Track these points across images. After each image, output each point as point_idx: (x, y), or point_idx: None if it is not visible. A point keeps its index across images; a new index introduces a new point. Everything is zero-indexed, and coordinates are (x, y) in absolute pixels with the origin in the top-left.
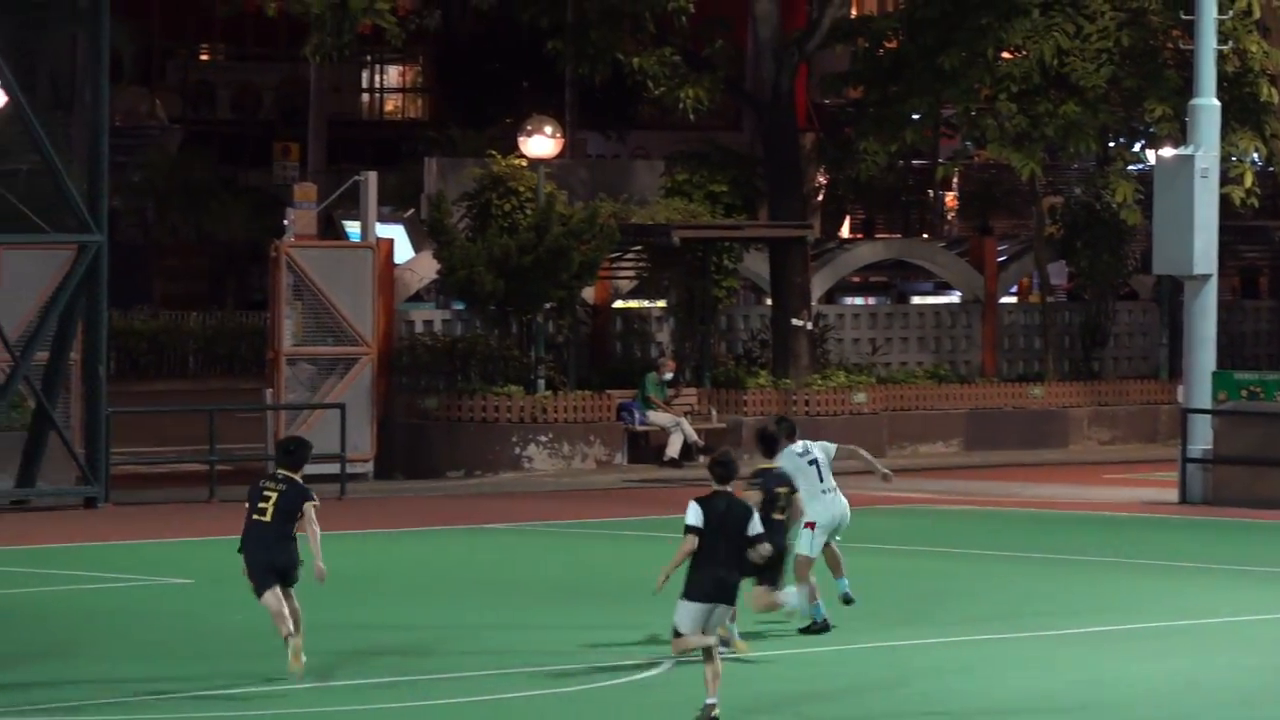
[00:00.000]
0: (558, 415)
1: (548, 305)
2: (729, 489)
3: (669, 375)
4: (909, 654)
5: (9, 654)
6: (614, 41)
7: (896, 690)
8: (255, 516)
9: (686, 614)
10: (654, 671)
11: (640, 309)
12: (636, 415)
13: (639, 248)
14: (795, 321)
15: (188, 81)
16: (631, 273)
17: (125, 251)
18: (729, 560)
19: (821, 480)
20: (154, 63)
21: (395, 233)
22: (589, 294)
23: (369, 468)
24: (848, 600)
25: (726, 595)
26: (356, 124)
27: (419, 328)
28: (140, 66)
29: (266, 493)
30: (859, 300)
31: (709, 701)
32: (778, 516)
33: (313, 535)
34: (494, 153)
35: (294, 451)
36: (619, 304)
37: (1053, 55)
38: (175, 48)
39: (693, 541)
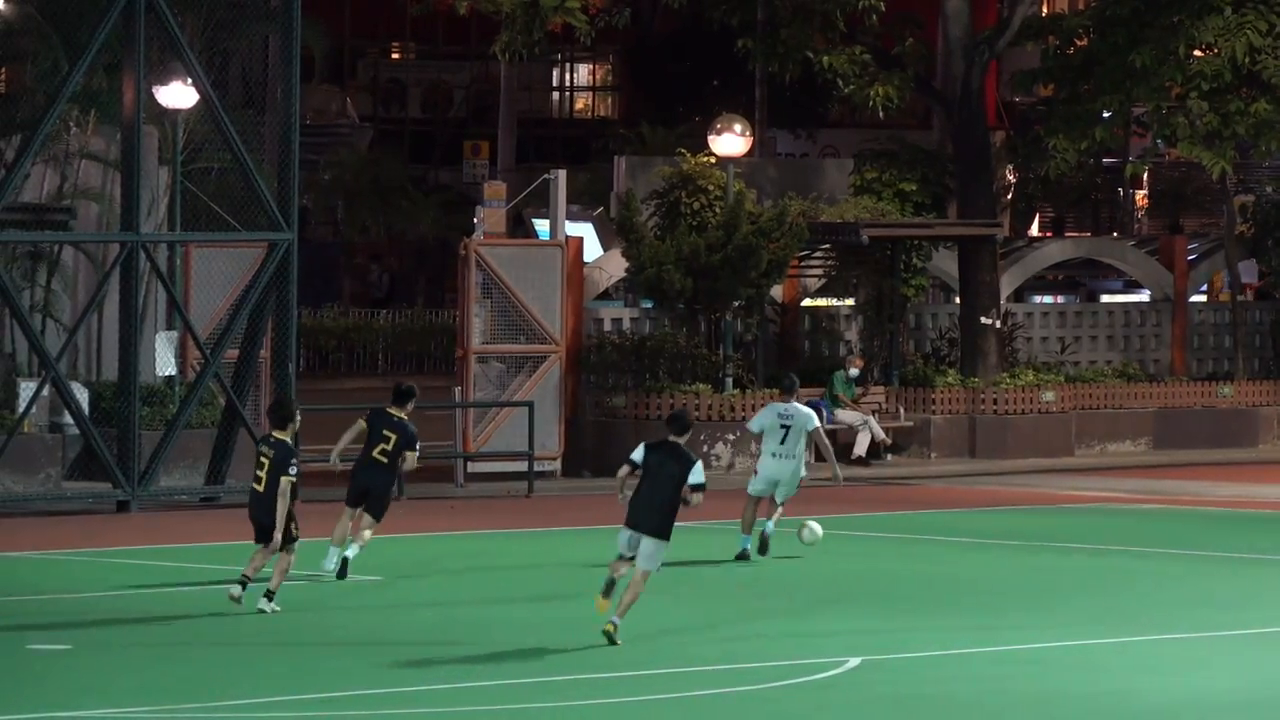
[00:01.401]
0: (746, 413)
1: (736, 303)
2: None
3: (856, 373)
4: (1092, 652)
5: (207, 651)
6: (804, 39)
7: (1073, 689)
8: (254, 485)
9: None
10: (838, 670)
11: (828, 307)
12: (825, 413)
13: (827, 246)
14: (984, 320)
15: (378, 80)
16: (820, 271)
17: (315, 249)
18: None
19: (782, 444)
20: (345, 62)
21: (584, 231)
22: (777, 292)
23: (557, 465)
24: (763, 540)
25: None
26: (546, 122)
27: (607, 326)
28: (331, 65)
29: (262, 459)
30: (1048, 299)
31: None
32: None
33: (280, 507)
34: (683, 151)
35: (275, 411)
36: (807, 302)
37: (1244, 53)
38: (366, 47)
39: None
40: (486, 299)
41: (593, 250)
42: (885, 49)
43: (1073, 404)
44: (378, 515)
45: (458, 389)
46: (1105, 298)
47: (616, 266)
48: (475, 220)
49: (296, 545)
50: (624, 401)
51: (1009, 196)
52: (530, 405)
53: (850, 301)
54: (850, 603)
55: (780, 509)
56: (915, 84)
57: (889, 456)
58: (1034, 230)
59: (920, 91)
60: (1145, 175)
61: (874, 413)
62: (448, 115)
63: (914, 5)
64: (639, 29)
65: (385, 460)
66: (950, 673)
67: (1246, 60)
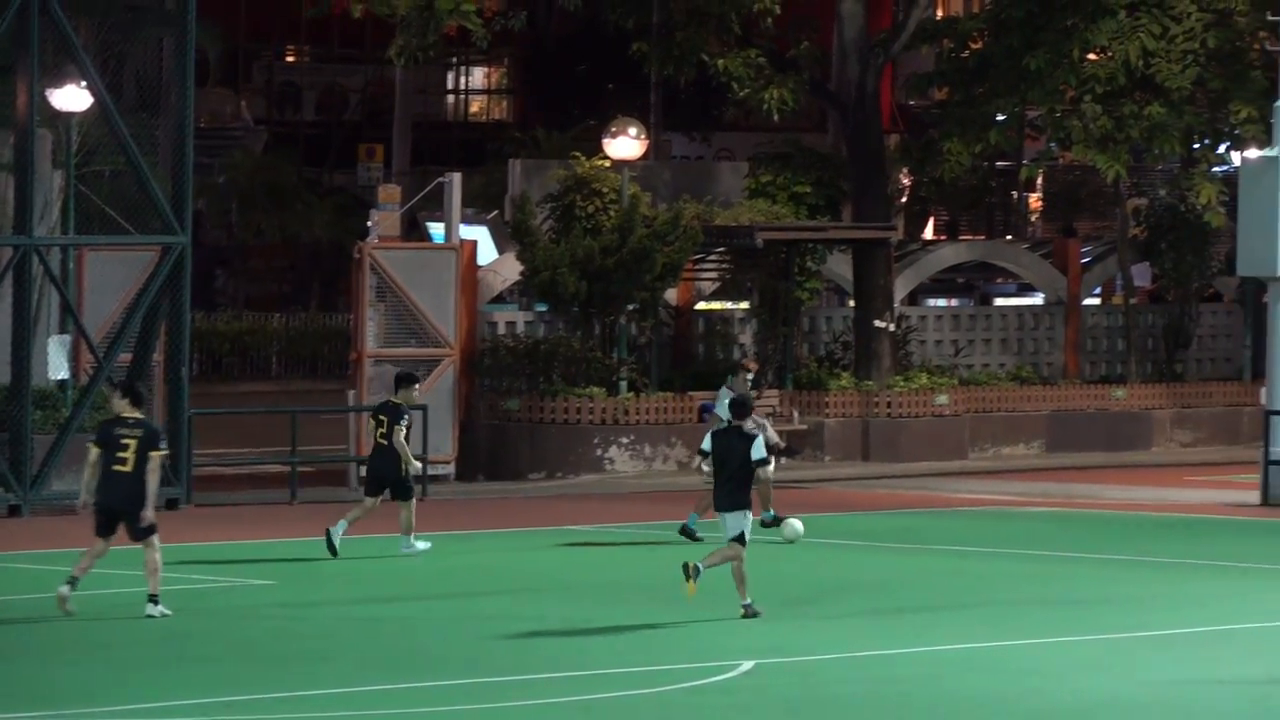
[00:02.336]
0: (639, 417)
1: (630, 307)
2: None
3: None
4: (986, 655)
5: (80, 655)
6: (699, 43)
7: (971, 690)
8: (116, 468)
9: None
10: (732, 674)
11: (723, 311)
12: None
13: (722, 249)
14: (878, 323)
15: (273, 83)
16: (714, 274)
17: (209, 253)
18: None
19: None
20: (239, 65)
21: (479, 234)
22: (672, 296)
23: (451, 469)
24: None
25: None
26: (441, 125)
27: (502, 329)
28: (226, 68)
29: (125, 440)
30: (942, 302)
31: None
32: None
33: (151, 483)
34: (578, 154)
35: (130, 390)
36: (702, 306)
37: (1138, 56)
38: (261, 50)
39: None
40: (380, 302)
41: (487, 253)
42: (780, 52)
43: (966, 407)
44: (405, 496)
45: (351, 392)
46: (999, 301)
47: (511, 270)
48: (369, 223)
49: (157, 538)
50: (518, 405)
51: (903, 200)
52: (424, 409)
53: (744, 305)
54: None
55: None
56: (810, 87)
57: (783, 460)
58: (928, 233)
59: (815, 94)
60: (1039, 178)
61: (768, 416)
62: (342, 118)
63: (809, 8)
64: (534, 32)
65: (385, 443)
66: (846, 675)
67: (1140, 64)
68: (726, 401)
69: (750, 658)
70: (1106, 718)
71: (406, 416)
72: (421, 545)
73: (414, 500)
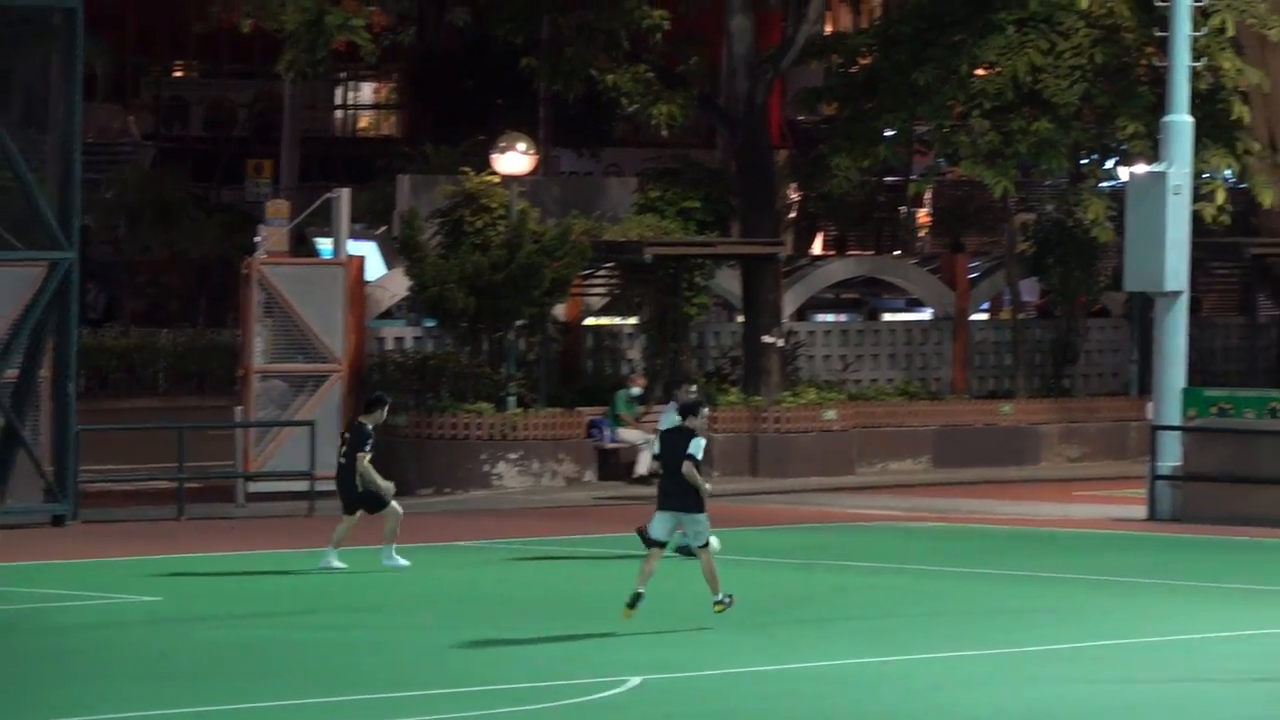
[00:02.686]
0: (528, 432)
1: (519, 322)
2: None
3: (639, 392)
4: (874, 670)
5: None
6: (588, 58)
7: (860, 707)
8: None
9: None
10: (619, 690)
11: (611, 326)
12: (606, 432)
13: (611, 265)
14: (766, 338)
15: (161, 98)
16: (603, 290)
17: (97, 269)
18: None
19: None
20: (127, 80)
21: (367, 250)
22: (560, 311)
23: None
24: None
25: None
26: (330, 141)
27: (390, 345)
28: (114, 83)
29: None
30: (830, 317)
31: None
32: None
33: None
34: (467, 170)
35: None
36: (590, 321)
37: (1026, 72)
38: (149, 65)
39: None
40: (268, 318)
41: (375, 269)
42: (669, 67)
43: (854, 422)
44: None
45: (239, 408)
46: (887, 316)
47: (399, 285)
48: (257, 239)
49: None
50: (406, 420)
51: (792, 215)
52: (312, 424)
53: (633, 320)
54: (630, 621)
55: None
56: (699, 102)
57: None
58: (817, 248)
59: (704, 110)
60: (927, 194)
61: (656, 432)
62: (231, 133)
63: (698, 24)
64: (423, 47)
65: (344, 461)
66: (732, 691)
67: (1028, 79)
68: (674, 413)
69: (638, 673)
70: None
71: (370, 439)
72: (402, 561)
73: (393, 510)
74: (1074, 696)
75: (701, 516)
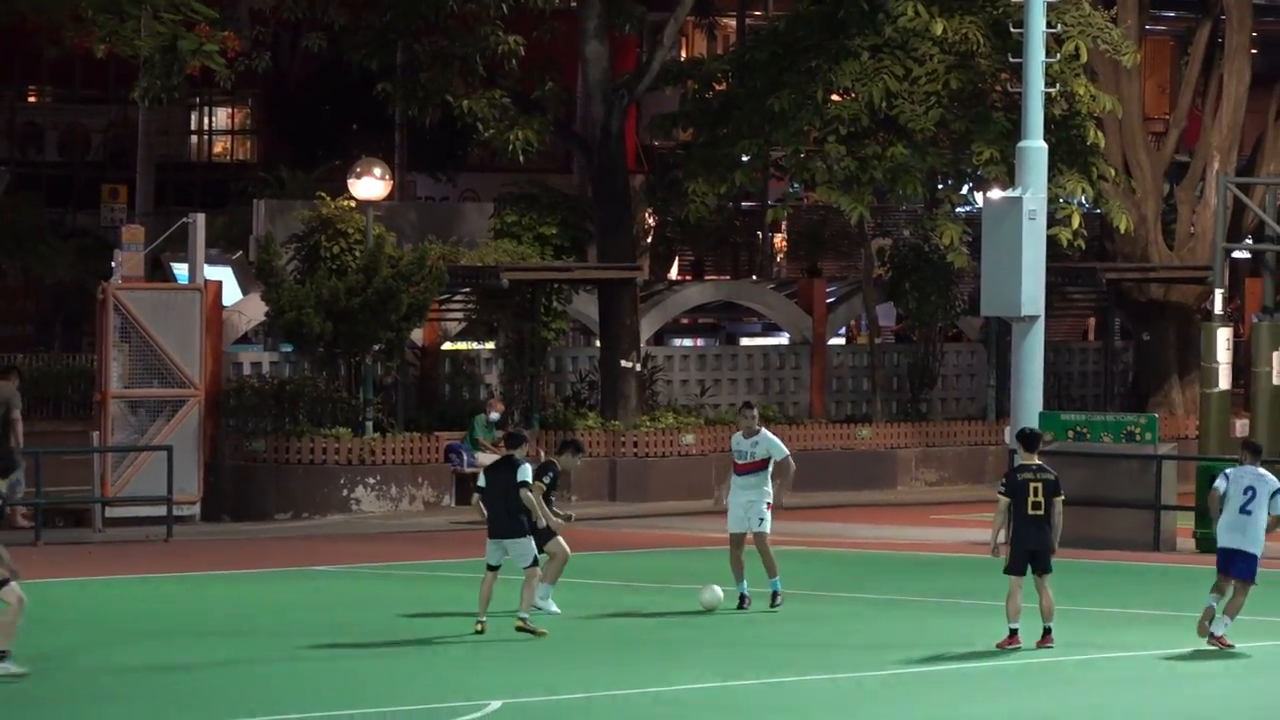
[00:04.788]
0: (385, 457)
1: (376, 347)
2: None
3: (496, 417)
4: (729, 694)
5: None
6: (443, 84)
7: None
8: None
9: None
10: (480, 714)
11: (469, 351)
12: (465, 457)
13: (468, 290)
14: (624, 363)
15: (14, 123)
16: (460, 315)
17: None
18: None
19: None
20: None
21: (223, 275)
22: (417, 336)
23: (196, 510)
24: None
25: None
26: (185, 166)
27: (247, 370)
28: None
29: None
30: (688, 342)
31: None
32: None
33: None
34: (323, 195)
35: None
36: (448, 346)
37: (881, 98)
38: (2, 90)
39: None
40: (125, 343)
41: (232, 294)
42: (525, 93)
43: (712, 446)
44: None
45: (95, 433)
46: (745, 341)
47: (256, 310)
48: (113, 264)
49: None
50: (263, 445)
51: (649, 240)
52: (169, 449)
53: (490, 345)
54: (490, 646)
55: None
56: (555, 128)
57: None
58: (674, 274)
59: (560, 135)
60: (784, 219)
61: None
62: (85, 159)
63: (553, 50)
64: (278, 73)
65: None
66: (592, 716)
67: (883, 105)
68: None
69: (497, 697)
70: None
71: (548, 473)
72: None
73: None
74: (936, 716)
75: (521, 541)
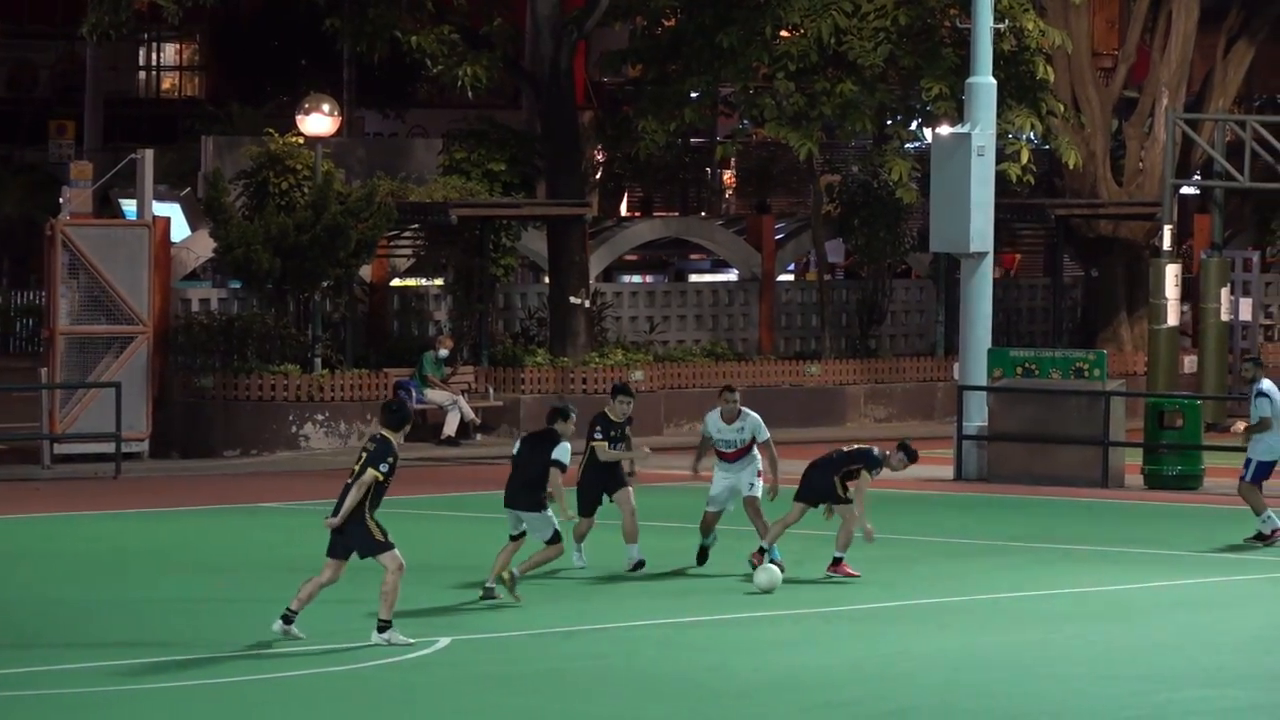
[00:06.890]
0: (334, 394)
1: (325, 284)
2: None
3: (445, 353)
4: (682, 631)
5: None
6: (392, 19)
7: (667, 667)
8: None
9: None
10: (429, 650)
11: (418, 287)
12: (414, 393)
13: (416, 226)
14: (573, 299)
15: None
16: (409, 251)
17: None
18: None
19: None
20: None
21: (172, 211)
22: (366, 272)
23: (145, 447)
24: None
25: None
26: (133, 102)
27: (195, 306)
28: None
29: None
30: (637, 278)
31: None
32: None
33: None
34: (271, 131)
35: None
36: (396, 282)
37: (830, 34)
38: None
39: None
40: (73, 279)
41: (180, 230)
42: (474, 29)
43: (661, 383)
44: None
45: (44, 370)
46: (694, 277)
47: (204, 247)
48: (62, 200)
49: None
50: (212, 382)
51: (598, 176)
52: (117, 386)
53: (439, 281)
54: (438, 583)
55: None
56: (504, 64)
57: (478, 436)
58: (623, 210)
59: (509, 71)
60: (733, 156)
61: (463, 393)
62: (33, 94)
63: None
64: (226, 8)
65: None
66: (541, 651)
67: (832, 41)
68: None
69: (445, 634)
70: (798, 691)
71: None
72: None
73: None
74: (882, 653)
75: (539, 515)
